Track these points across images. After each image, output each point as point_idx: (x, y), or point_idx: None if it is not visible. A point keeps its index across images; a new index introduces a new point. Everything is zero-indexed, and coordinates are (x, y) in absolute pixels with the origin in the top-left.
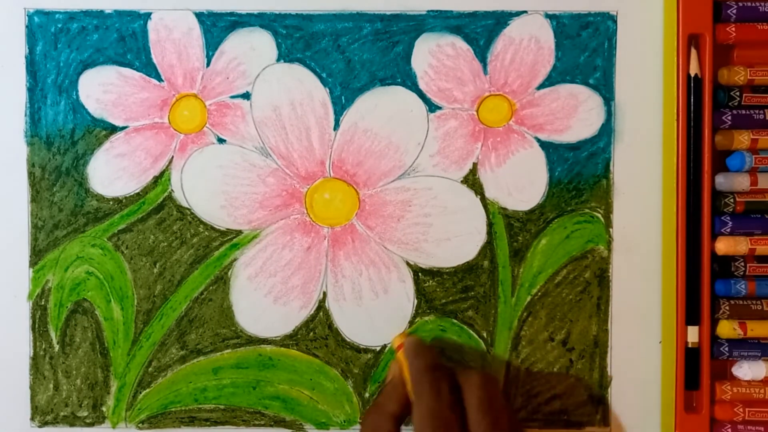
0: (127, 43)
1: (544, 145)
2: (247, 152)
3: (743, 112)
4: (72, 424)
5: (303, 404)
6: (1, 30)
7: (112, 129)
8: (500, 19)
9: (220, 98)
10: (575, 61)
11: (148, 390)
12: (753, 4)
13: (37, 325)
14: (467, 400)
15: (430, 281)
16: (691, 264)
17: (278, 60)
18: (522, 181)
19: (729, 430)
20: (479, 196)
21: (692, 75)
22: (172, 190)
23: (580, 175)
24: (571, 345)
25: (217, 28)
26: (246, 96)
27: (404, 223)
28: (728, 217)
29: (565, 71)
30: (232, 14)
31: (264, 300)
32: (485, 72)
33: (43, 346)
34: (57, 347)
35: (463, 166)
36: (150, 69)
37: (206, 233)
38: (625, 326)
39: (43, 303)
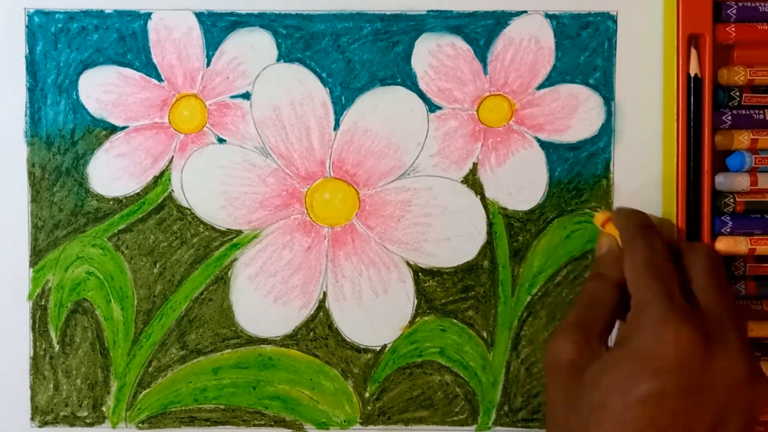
0: (127, 43)
1: (544, 145)
2: (247, 152)
3: (743, 112)
4: (72, 424)
5: (303, 404)
6: (1, 30)
7: (112, 129)
8: (500, 19)
9: (220, 98)
10: (575, 61)
11: (148, 390)
12: (753, 5)
13: (37, 325)
14: (692, 264)
15: (430, 281)
16: None
17: (278, 60)
18: (522, 181)
19: None
20: (479, 196)
21: (692, 75)
22: (172, 190)
23: (580, 175)
24: None
25: (217, 28)
26: (246, 96)
27: (404, 223)
28: (728, 217)
29: (565, 71)
30: (232, 14)
31: (264, 300)
32: (485, 72)
33: (43, 346)
34: (57, 347)
35: (463, 166)
36: (150, 69)
37: (206, 233)
38: None
39: (43, 303)
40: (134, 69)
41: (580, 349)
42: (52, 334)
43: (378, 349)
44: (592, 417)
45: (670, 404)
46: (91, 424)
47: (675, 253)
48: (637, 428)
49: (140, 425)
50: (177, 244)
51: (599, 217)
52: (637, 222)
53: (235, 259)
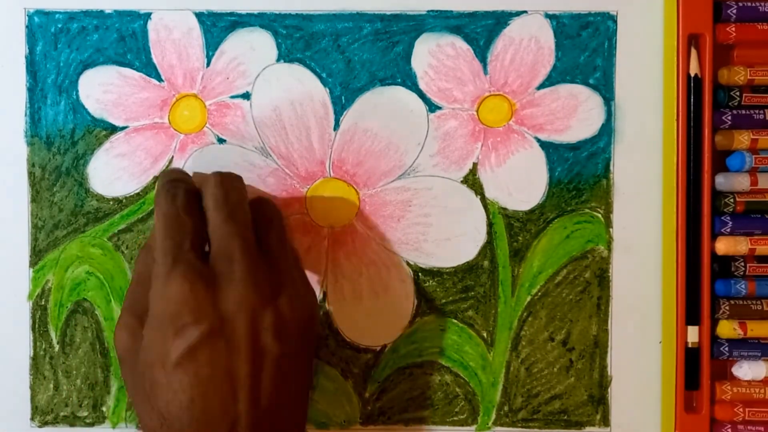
0: (127, 43)
1: (544, 145)
2: (247, 152)
3: (743, 112)
4: (72, 424)
5: None
6: (1, 30)
7: (112, 129)
8: (500, 19)
9: (220, 98)
10: (575, 61)
11: None
12: (753, 4)
13: (37, 325)
14: (205, 204)
15: (430, 281)
16: (691, 264)
17: (278, 60)
18: (522, 181)
19: (729, 430)
20: (479, 196)
21: (692, 75)
22: None
23: (580, 175)
24: (571, 345)
25: (217, 28)
26: (246, 96)
27: (404, 223)
28: (728, 217)
29: (565, 71)
30: (232, 14)
31: None
32: (485, 72)
33: (43, 346)
34: (57, 347)
35: (463, 166)
36: (150, 69)
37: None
38: (625, 326)
39: (43, 303)
40: (134, 69)
41: (132, 332)
42: (52, 334)
43: (378, 349)
44: (150, 395)
45: (203, 355)
46: (91, 424)
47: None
48: (186, 389)
49: (140, 425)
50: None
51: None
52: (166, 178)
53: None
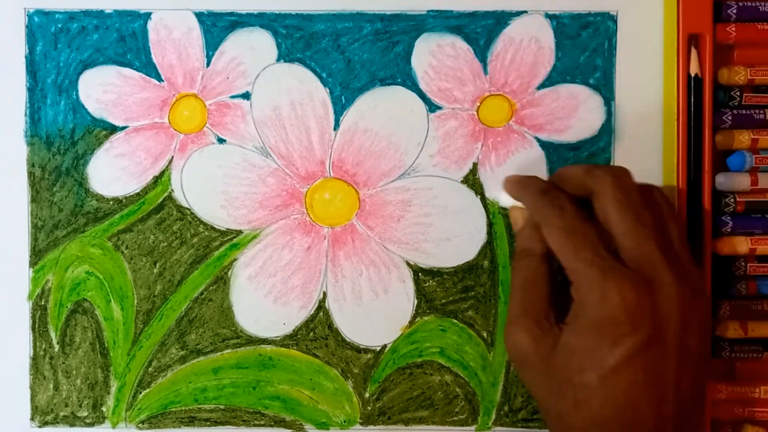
0: (127, 43)
1: (544, 145)
2: (247, 152)
3: (743, 111)
4: (72, 424)
5: (303, 404)
6: (1, 30)
7: (112, 129)
8: (500, 19)
9: (220, 98)
10: (575, 61)
11: (148, 390)
12: (753, 4)
13: (37, 325)
14: (602, 205)
15: (430, 281)
16: None
17: (278, 60)
18: None
19: (730, 430)
20: (479, 196)
21: (692, 75)
22: (172, 190)
23: None
24: None
25: (217, 28)
26: (246, 96)
27: (404, 223)
28: (729, 217)
29: (566, 71)
30: (232, 14)
31: (264, 300)
32: (485, 72)
33: (43, 346)
34: (57, 347)
35: (463, 166)
36: (150, 69)
37: (206, 233)
38: None
39: (43, 303)
40: (134, 69)
41: (535, 336)
42: (52, 334)
43: (378, 349)
44: (578, 398)
45: (638, 362)
46: (91, 425)
47: (584, 201)
48: (620, 395)
49: (140, 425)
50: (177, 244)
51: (502, 200)
52: (535, 189)
53: (235, 259)
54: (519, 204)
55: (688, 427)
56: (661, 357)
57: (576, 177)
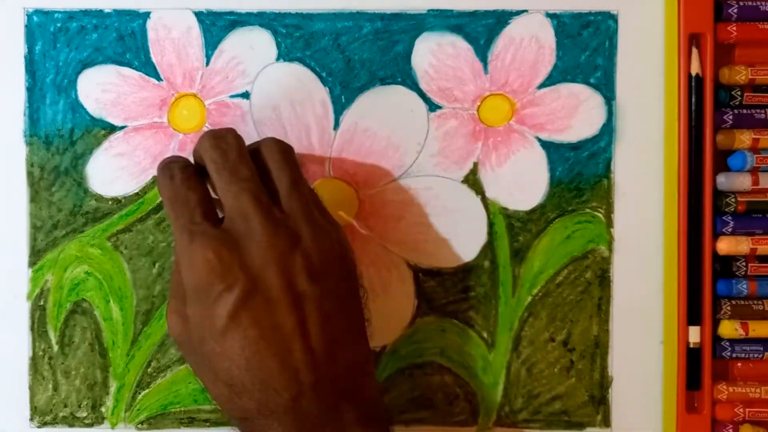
0: (126, 42)
1: (545, 145)
2: None
3: (744, 111)
4: (71, 425)
5: None
6: (0, 29)
7: (111, 129)
8: (501, 19)
9: (220, 98)
10: (576, 60)
11: (147, 390)
12: (754, 4)
13: (36, 326)
14: (208, 170)
15: (430, 281)
16: (692, 264)
17: (278, 59)
18: (523, 181)
19: (730, 430)
20: (480, 196)
21: (693, 74)
22: None
23: (581, 175)
24: (572, 345)
25: (216, 27)
26: (245, 95)
27: (404, 223)
28: (729, 217)
29: (566, 70)
30: (231, 13)
31: None
32: (486, 71)
33: (42, 347)
34: (56, 348)
35: (463, 166)
36: (149, 68)
37: None
38: (626, 326)
39: (42, 303)
40: (133, 68)
41: (182, 314)
42: (51, 335)
43: (378, 349)
44: (214, 370)
45: (245, 318)
46: (90, 425)
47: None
48: (241, 355)
49: (139, 426)
50: None
51: None
52: (166, 159)
53: None
54: None
55: (341, 366)
56: (268, 307)
57: (194, 147)
